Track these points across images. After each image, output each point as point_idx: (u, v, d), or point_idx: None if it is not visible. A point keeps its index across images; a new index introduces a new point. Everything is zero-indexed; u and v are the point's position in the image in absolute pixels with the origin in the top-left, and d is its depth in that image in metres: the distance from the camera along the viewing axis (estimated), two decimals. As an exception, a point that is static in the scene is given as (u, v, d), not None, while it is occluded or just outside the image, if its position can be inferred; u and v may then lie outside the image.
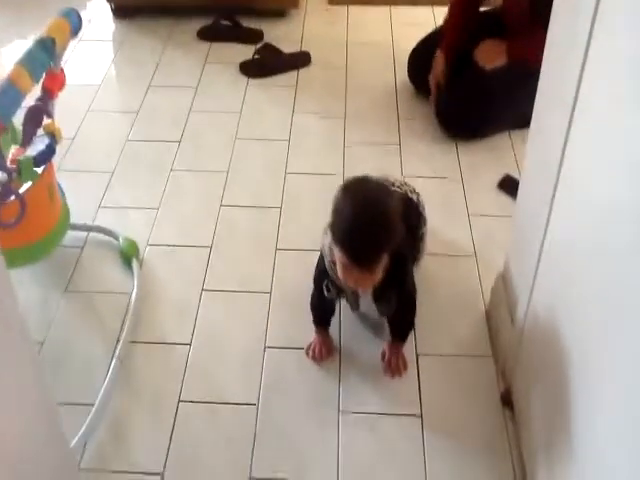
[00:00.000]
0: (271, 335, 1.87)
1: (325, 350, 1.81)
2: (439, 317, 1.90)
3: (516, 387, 1.66)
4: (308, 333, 1.86)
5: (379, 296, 1.73)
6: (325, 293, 1.73)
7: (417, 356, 1.82)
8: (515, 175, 2.29)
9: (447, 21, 2.61)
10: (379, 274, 1.55)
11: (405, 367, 1.78)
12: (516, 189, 1.73)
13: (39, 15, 3.15)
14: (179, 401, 1.72)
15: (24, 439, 1.24)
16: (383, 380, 1.76)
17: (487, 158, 2.46)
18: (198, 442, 1.65)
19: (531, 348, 1.56)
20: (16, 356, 1.20)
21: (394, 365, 1.78)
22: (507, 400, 1.70)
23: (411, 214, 1.84)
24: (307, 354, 1.82)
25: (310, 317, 1.83)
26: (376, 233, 1.48)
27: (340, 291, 1.72)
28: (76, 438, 1.59)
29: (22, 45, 2.89)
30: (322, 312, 1.83)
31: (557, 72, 1.38)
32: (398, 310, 1.76)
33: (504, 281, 1.79)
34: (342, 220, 1.50)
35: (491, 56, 2.44)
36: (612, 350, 1.11)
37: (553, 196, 1.40)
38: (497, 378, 1.76)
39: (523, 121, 2.06)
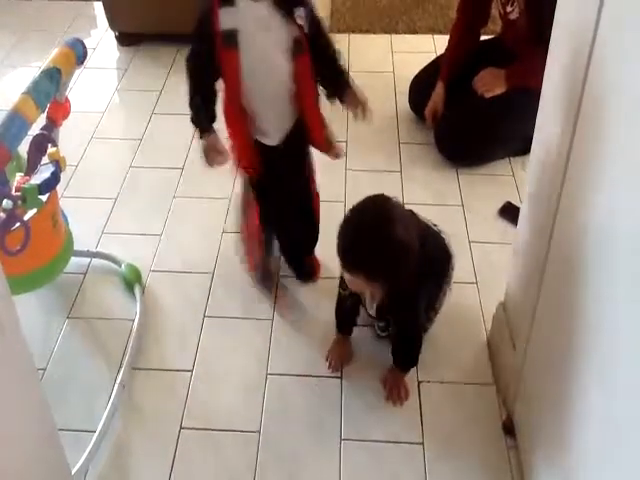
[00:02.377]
0: (273, 362, 1.87)
1: (337, 357, 1.84)
2: (441, 344, 1.90)
3: (518, 415, 1.66)
4: (310, 360, 1.86)
5: (380, 315, 1.76)
6: (340, 291, 1.75)
7: (419, 383, 1.82)
8: (516, 202, 2.31)
9: (447, 49, 2.65)
10: (376, 287, 1.58)
11: (406, 396, 1.78)
12: (517, 216, 1.74)
13: (42, 40, 3.21)
14: (181, 428, 1.72)
15: (26, 466, 1.24)
16: (385, 408, 1.76)
17: (487, 185, 2.47)
18: (200, 469, 1.64)
19: (533, 376, 1.56)
20: (18, 382, 1.20)
21: (395, 394, 1.78)
22: (509, 428, 1.69)
23: (437, 247, 1.79)
24: (326, 359, 1.85)
25: (311, 344, 1.83)
26: (372, 241, 1.49)
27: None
28: (78, 465, 1.59)
29: (25, 70, 2.94)
30: (341, 316, 1.85)
31: (557, 98, 1.39)
32: (399, 341, 1.77)
33: (505, 308, 1.79)
34: (345, 221, 1.54)
35: (490, 84, 2.46)
36: (614, 378, 1.11)
37: (553, 223, 1.41)
38: (499, 406, 1.76)
39: (523, 147, 2.09)
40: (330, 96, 1.76)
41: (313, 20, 1.65)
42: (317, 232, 2.04)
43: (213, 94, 1.70)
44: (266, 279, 2.07)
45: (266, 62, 1.65)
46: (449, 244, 1.84)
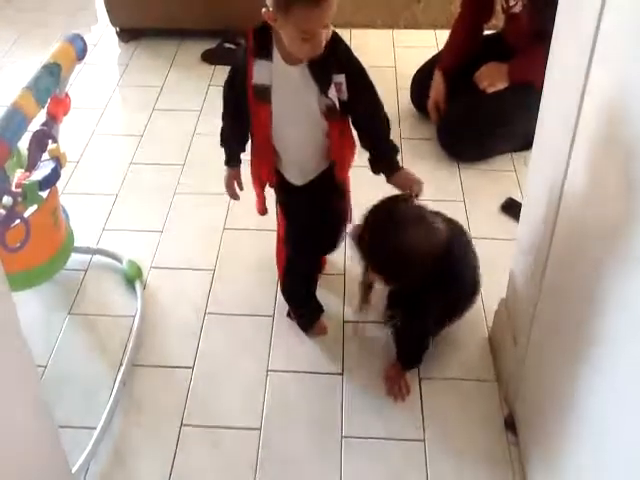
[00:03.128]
0: (274, 359, 1.87)
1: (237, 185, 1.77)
2: (442, 341, 1.89)
3: (519, 411, 1.66)
4: (311, 357, 1.86)
5: (390, 303, 1.74)
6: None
7: (420, 380, 1.81)
8: (518, 198, 2.30)
9: (447, 42, 2.64)
10: (383, 280, 1.60)
11: (407, 391, 1.78)
12: (519, 212, 1.74)
13: (43, 36, 3.20)
14: (181, 425, 1.72)
15: (26, 464, 1.24)
16: (386, 405, 1.76)
17: (489, 180, 2.47)
18: (200, 467, 1.64)
19: (534, 372, 1.55)
20: (17, 380, 1.20)
21: (396, 389, 1.78)
22: (510, 424, 1.69)
23: (461, 246, 1.75)
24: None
25: (312, 341, 1.82)
26: (376, 240, 1.55)
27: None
28: (78, 462, 1.59)
29: (26, 66, 2.93)
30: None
31: (559, 93, 1.39)
32: (403, 337, 1.77)
33: (507, 305, 1.79)
34: (365, 214, 1.58)
35: (492, 79, 2.45)
36: (614, 374, 1.11)
37: (555, 219, 1.40)
38: (500, 402, 1.75)
39: (525, 143, 2.08)
40: (375, 171, 1.66)
41: (357, 84, 1.53)
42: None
43: (245, 125, 1.64)
44: (306, 321, 1.95)
45: (295, 122, 1.59)
46: (479, 274, 1.80)
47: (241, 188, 1.78)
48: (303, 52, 1.46)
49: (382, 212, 1.57)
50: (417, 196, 1.58)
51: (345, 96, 1.53)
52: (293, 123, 1.60)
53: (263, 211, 1.82)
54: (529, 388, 1.59)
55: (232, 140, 1.71)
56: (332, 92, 1.52)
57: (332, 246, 1.86)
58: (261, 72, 1.51)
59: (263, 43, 1.50)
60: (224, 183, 1.77)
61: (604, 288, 1.15)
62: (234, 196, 1.79)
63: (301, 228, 1.77)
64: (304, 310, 1.95)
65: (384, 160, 1.65)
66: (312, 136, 1.62)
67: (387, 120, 1.64)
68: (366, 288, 1.73)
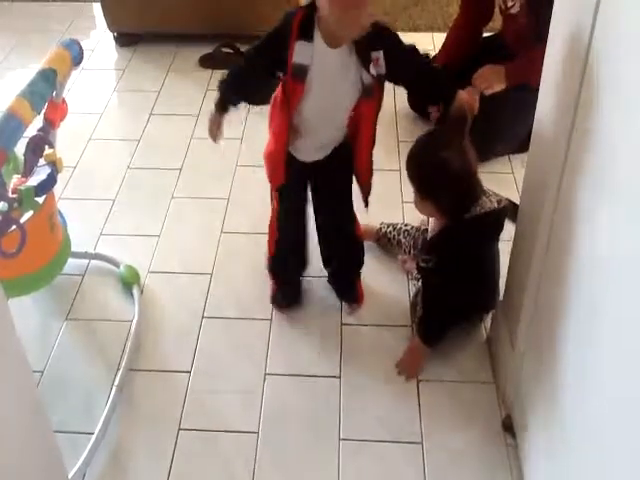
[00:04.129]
0: (271, 362, 1.87)
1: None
2: (439, 344, 1.88)
3: (517, 413, 1.65)
4: (309, 360, 1.86)
5: (428, 249, 1.83)
6: None
7: (418, 382, 1.81)
8: (515, 200, 2.29)
9: (446, 43, 2.64)
10: (425, 205, 1.74)
11: (413, 373, 1.81)
12: (517, 214, 1.74)
13: (41, 42, 3.20)
14: (179, 429, 1.72)
15: (23, 468, 1.24)
16: (384, 407, 1.76)
17: (487, 182, 2.42)
18: (198, 470, 1.64)
19: (532, 375, 1.55)
20: (13, 384, 1.20)
21: (404, 365, 1.82)
22: (509, 426, 1.68)
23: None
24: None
25: (309, 345, 1.82)
26: (418, 156, 1.72)
27: None
28: (75, 468, 1.59)
29: (24, 72, 2.93)
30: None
31: (555, 94, 1.39)
32: (433, 295, 1.83)
33: (504, 307, 1.79)
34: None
35: (490, 81, 2.45)
36: (612, 377, 1.11)
37: (552, 221, 1.40)
38: (498, 404, 1.75)
39: (523, 145, 2.07)
40: (436, 102, 1.84)
41: (393, 47, 1.60)
42: (357, 254, 1.99)
43: (253, 91, 1.73)
44: (281, 298, 2.02)
45: (329, 104, 1.65)
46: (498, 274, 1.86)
47: (221, 135, 1.76)
48: (348, 26, 1.51)
49: (431, 133, 1.78)
50: (472, 113, 1.67)
51: (383, 70, 1.58)
52: (323, 108, 1.65)
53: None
54: (527, 391, 1.58)
55: (232, 92, 1.72)
56: (372, 69, 1.58)
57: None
58: (301, 51, 1.56)
59: (307, 25, 1.54)
60: (207, 125, 1.75)
61: (602, 290, 1.15)
62: (215, 139, 1.77)
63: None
64: (287, 288, 2.00)
65: (446, 91, 1.69)
66: (337, 120, 1.70)
67: (432, 62, 1.81)
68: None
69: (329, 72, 1.60)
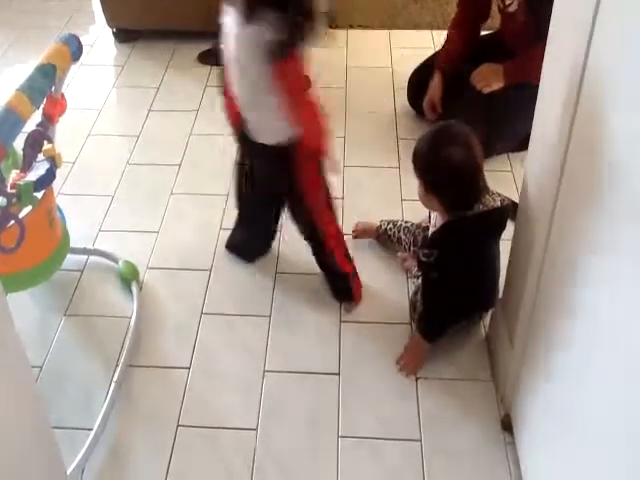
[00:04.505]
0: (270, 359, 1.87)
1: None
2: (439, 341, 1.88)
3: (516, 412, 1.65)
4: (308, 357, 1.85)
5: (430, 243, 1.81)
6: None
7: (417, 380, 1.81)
8: (515, 198, 2.29)
9: (445, 42, 2.64)
10: (431, 200, 1.74)
11: (413, 369, 1.81)
12: (516, 213, 1.74)
13: (40, 38, 3.20)
14: (178, 426, 1.71)
15: (20, 465, 1.24)
16: (383, 405, 1.76)
17: (486, 180, 2.45)
18: (197, 467, 1.64)
19: (531, 373, 1.55)
20: (11, 380, 1.19)
21: (404, 360, 1.82)
22: (507, 425, 1.68)
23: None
24: None
25: (308, 341, 1.81)
26: (426, 150, 1.71)
27: None
28: (74, 464, 1.58)
29: (22, 67, 2.93)
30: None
31: (555, 93, 1.38)
32: (433, 290, 1.83)
33: (503, 305, 1.79)
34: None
35: (488, 80, 2.45)
36: (612, 376, 1.11)
37: (551, 220, 1.40)
38: (497, 402, 1.75)
39: (522, 143, 2.07)
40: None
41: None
42: (316, 241, 1.94)
43: None
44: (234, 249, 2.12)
45: (235, 69, 1.65)
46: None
47: None
48: None
49: (439, 128, 1.77)
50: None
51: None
52: (233, 74, 1.69)
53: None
54: (526, 389, 1.58)
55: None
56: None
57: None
58: (225, 14, 1.61)
59: None
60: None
61: (601, 288, 1.15)
62: None
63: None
64: (252, 234, 2.09)
65: None
66: (251, 87, 1.67)
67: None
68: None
69: (229, 31, 1.62)
